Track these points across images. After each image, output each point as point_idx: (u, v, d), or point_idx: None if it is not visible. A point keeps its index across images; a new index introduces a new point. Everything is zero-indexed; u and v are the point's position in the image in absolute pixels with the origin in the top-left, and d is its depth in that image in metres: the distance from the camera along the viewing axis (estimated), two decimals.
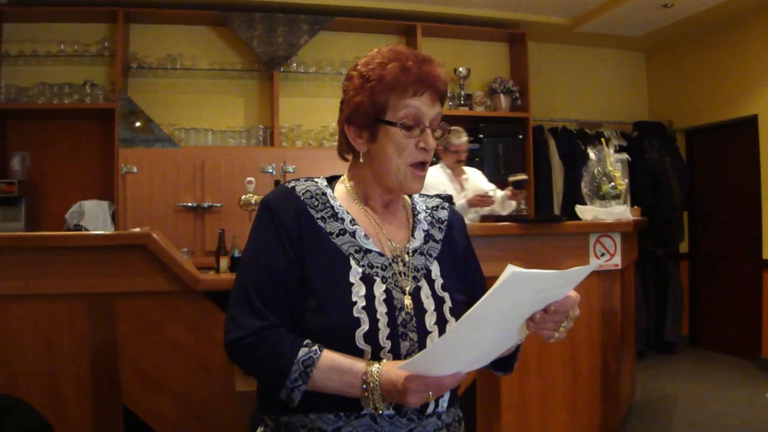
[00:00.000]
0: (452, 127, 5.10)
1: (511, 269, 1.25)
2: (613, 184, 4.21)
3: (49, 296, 2.96)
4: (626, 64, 7.84)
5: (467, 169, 5.45)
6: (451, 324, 1.62)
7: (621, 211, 4.09)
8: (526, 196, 5.47)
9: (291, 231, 1.59)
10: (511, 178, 4.55)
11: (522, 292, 1.33)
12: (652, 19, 6.63)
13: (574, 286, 1.43)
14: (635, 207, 4.67)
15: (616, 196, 4.21)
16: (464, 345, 1.38)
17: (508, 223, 3.87)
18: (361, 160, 1.69)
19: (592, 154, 4.38)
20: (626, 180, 4.44)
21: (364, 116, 1.63)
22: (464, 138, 5.22)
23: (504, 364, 1.78)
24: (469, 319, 1.30)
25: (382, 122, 1.61)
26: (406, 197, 1.84)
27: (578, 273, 1.37)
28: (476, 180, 5.43)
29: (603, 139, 5.06)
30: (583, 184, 4.39)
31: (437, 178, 5.19)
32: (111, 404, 3.01)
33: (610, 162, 4.28)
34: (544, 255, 3.76)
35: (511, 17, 6.74)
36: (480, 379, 3.57)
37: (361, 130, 1.65)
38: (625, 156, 4.81)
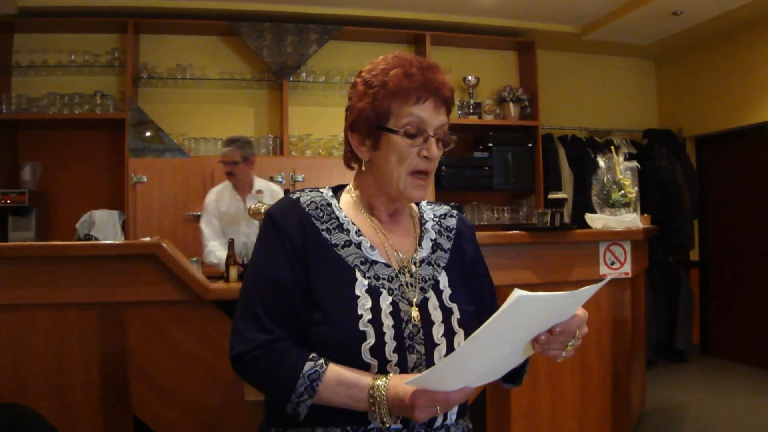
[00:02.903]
0: (234, 135, 4.83)
1: (517, 293, 1.23)
2: (623, 192, 4.20)
3: (59, 305, 2.97)
4: (636, 71, 7.83)
5: (263, 183, 5.01)
6: (459, 335, 1.60)
7: (631, 219, 4.08)
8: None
9: (295, 243, 1.58)
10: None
11: (529, 314, 1.32)
12: (661, 27, 6.62)
13: (581, 305, 1.42)
14: (645, 215, 4.65)
15: (626, 204, 4.20)
16: (471, 363, 1.37)
17: (517, 231, 3.86)
18: (364, 168, 1.68)
19: (601, 163, 4.37)
20: (636, 188, 4.42)
21: (367, 123, 1.61)
22: (227, 148, 4.77)
23: (513, 376, 1.76)
24: (475, 340, 1.30)
25: (384, 130, 1.60)
26: (413, 206, 1.83)
27: (586, 292, 1.35)
28: (269, 200, 4.84)
29: (612, 147, 5.04)
30: (593, 193, 4.38)
31: (213, 198, 4.89)
32: (121, 413, 3.01)
33: (619, 170, 4.27)
34: (554, 263, 3.75)
35: (520, 25, 6.74)
36: (490, 389, 3.55)
37: (364, 137, 1.64)
38: (634, 164, 4.78)
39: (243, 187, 4.86)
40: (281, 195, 4.79)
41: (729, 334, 7.08)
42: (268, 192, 4.93)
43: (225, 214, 4.82)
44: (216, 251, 4.72)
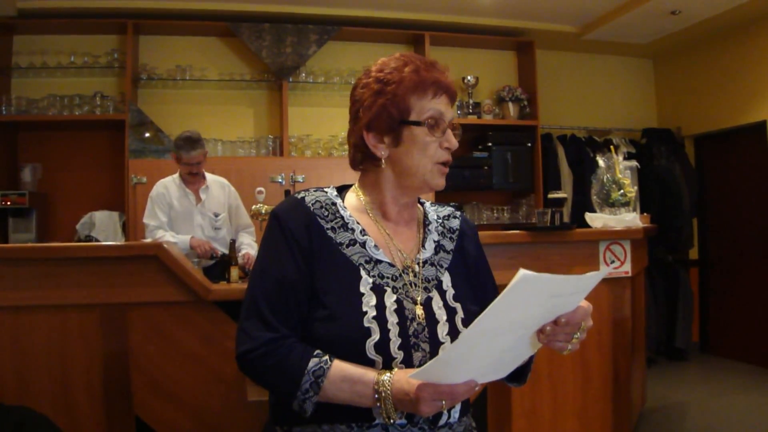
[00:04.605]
0: (188, 134, 4.66)
1: (522, 272, 1.24)
2: (622, 191, 4.20)
3: (61, 307, 2.98)
4: (634, 71, 7.84)
5: (214, 178, 4.94)
6: None
7: (631, 219, 4.09)
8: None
9: (301, 242, 1.60)
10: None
11: (533, 297, 1.32)
12: (659, 26, 6.63)
13: (586, 294, 1.43)
14: (645, 214, 4.66)
15: (626, 204, 4.20)
16: (476, 352, 1.37)
17: (517, 231, 3.87)
18: (383, 165, 1.69)
19: (601, 162, 4.38)
20: (635, 187, 4.42)
21: (388, 120, 1.64)
22: (194, 152, 4.63)
23: (518, 375, 1.77)
24: (480, 323, 1.30)
25: (407, 123, 1.63)
26: (419, 206, 1.84)
27: (590, 279, 1.36)
28: (220, 193, 4.89)
29: (612, 147, 5.06)
30: (592, 192, 4.39)
31: (162, 191, 4.76)
32: (123, 414, 3.02)
33: (619, 169, 4.27)
34: (554, 263, 3.75)
35: (519, 25, 6.75)
36: (491, 387, 3.56)
37: (383, 134, 1.66)
38: (634, 163, 4.79)
39: (194, 181, 4.81)
40: (230, 188, 4.94)
41: (729, 333, 7.10)
42: (218, 185, 4.92)
43: (174, 208, 4.76)
44: (171, 234, 4.63)
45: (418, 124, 1.62)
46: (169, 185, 4.79)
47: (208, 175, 4.89)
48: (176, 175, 4.82)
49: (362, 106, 1.68)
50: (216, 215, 4.79)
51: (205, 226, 4.76)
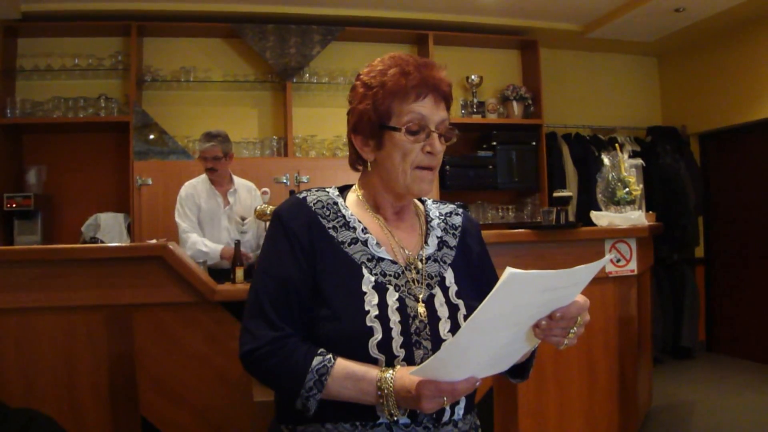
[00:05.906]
0: (209, 130, 4.70)
1: (509, 271, 1.24)
2: (627, 189, 4.20)
3: (66, 308, 2.98)
4: (639, 69, 7.82)
5: (242, 181, 4.94)
6: None
7: (636, 217, 4.08)
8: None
9: (303, 241, 1.60)
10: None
11: (524, 294, 1.32)
12: (664, 24, 6.61)
13: (582, 288, 1.42)
14: (650, 212, 4.65)
15: (631, 202, 4.20)
16: (474, 349, 1.37)
17: (523, 230, 3.86)
18: (369, 169, 1.70)
19: (606, 160, 4.38)
20: (641, 185, 4.42)
21: (369, 124, 1.64)
22: (208, 144, 4.62)
23: (520, 371, 1.77)
24: (473, 322, 1.30)
25: (387, 128, 1.62)
26: (419, 204, 1.84)
27: (582, 271, 1.36)
28: (247, 197, 4.87)
29: (617, 145, 5.04)
30: (597, 190, 4.38)
31: (190, 191, 4.75)
32: (129, 414, 3.02)
33: (624, 167, 4.27)
34: (559, 261, 3.74)
35: (523, 24, 6.73)
36: (497, 386, 3.56)
37: (367, 138, 1.67)
38: (639, 161, 4.78)
39: (221, 183, 4.81)
40: (257, 192, 4.89)
41: (735, 331, 7.08)
42: (245, 189, 4.92)
43: (202, 209, 4.76)
44: (203, 241, 4.63)
45: (396, 129, 1.61)
46: (197, 185, 4.80)
47: (236, 179, 4.90)
48: (204, 176, 4.82)
49: (350, 108, 1.70)
50: (243, 219, 4.78)
51: (232, 229, 4.77)
